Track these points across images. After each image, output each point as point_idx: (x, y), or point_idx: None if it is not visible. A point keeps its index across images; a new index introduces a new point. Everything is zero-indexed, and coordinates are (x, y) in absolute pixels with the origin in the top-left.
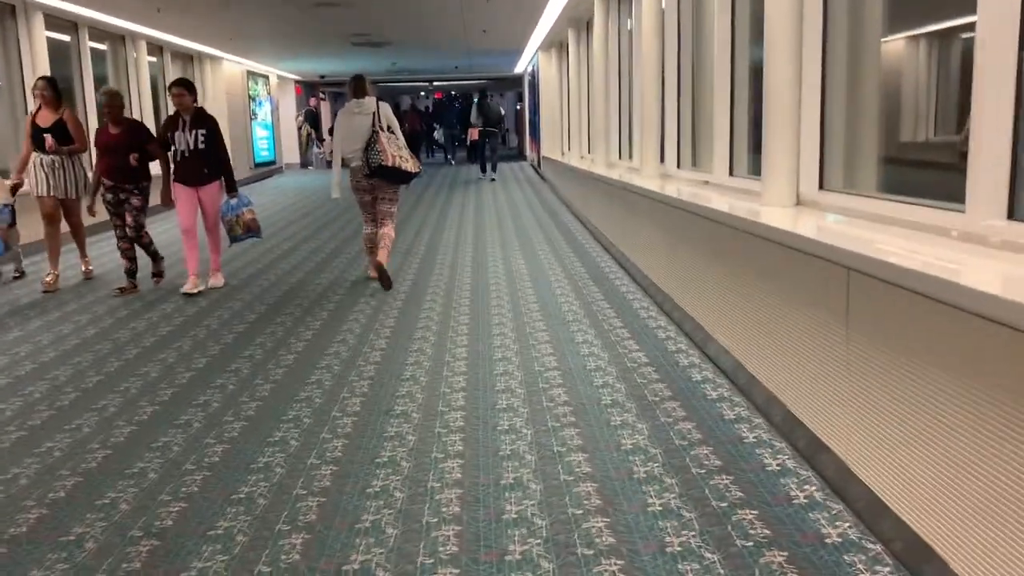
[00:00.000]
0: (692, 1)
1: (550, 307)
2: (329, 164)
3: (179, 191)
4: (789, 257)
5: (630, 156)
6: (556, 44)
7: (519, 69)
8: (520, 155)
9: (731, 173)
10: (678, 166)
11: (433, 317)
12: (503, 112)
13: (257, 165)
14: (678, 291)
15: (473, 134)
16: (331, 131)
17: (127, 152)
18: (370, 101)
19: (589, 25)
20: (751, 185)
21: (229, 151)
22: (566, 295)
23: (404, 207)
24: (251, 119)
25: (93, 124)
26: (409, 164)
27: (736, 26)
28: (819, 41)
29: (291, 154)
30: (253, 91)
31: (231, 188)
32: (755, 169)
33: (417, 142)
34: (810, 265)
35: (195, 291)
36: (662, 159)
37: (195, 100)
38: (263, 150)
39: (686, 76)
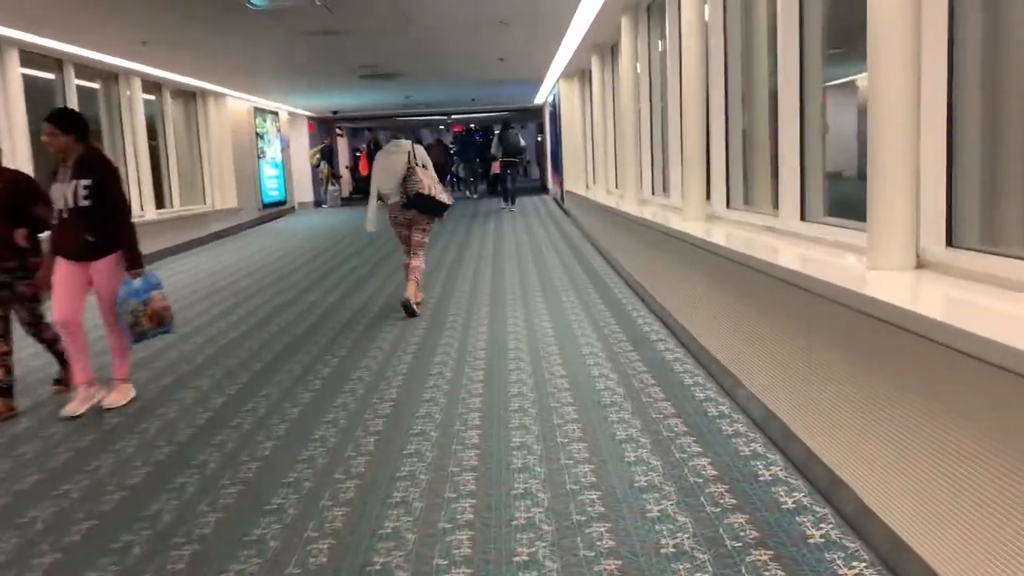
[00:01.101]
0: (740, 12)
1: (582, 383)
2: (343, 202)
3: (58, 268)
4: (943, 357)
5: (664, 191)
6: (578, 72)
7: (539, 100)
8: (542, 188)
9: (803, 217)
10: (727, 205)
11: (436, 406)
12: (523, 143)
13: (265, 206)
14: (746, 370)
15: (495, 167)
16: (348, 167)
17: (5, 218)
18: (406, 142)
19: (614, 50)
20: (840, 235)
21: (235, 192)
22: (600, 365)
23: None
24: (259, 158)
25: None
26: (443, 196)
27: (807, 35)
28: (944, 47)
29: (304, 192)
30: (261, 128)
31: (133, 263)
32: (834, 211)
33: (441, 174)
34: (973, 371)
35: (79, 413)
36: (708, 196)
37: (79, 138)
38: (272, 190)
39: (735, 98)
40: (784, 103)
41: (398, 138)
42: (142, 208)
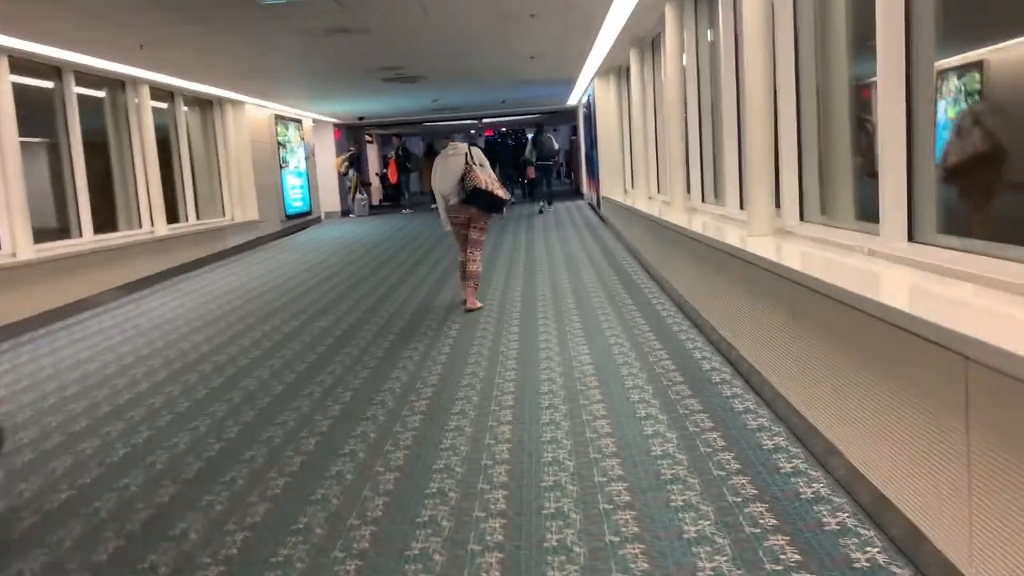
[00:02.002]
0: None
1: (633, 447)
2: (371, 211)
3: None
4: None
5: (715, 196)
6: (614, 70)
7: (572, 101)
8: (576, 192)
9: (911, 237)
10: (801, 217)
11: (452, 476)
12: (557, 146)
13: (289, 217)
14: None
15: (531, 172)
16: (379, 175)
17: None
18: (462, 144)
19: (656, 43)
20: (971, 264)
21: (255, 203)
22: (653, 419)
23: (438, 266)
24: (281, 167)
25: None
26: (500, 192)
27: (915, 12)
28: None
29: (331, 202)
30: (283, 137)
31: None
32: (952, 228)
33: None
34: None
35: None
36: (777, 203)
37: None
38: (296, 200)
39: (808, 89)
40: (885, 92)
41: (455, 141)
42: (152, 224)
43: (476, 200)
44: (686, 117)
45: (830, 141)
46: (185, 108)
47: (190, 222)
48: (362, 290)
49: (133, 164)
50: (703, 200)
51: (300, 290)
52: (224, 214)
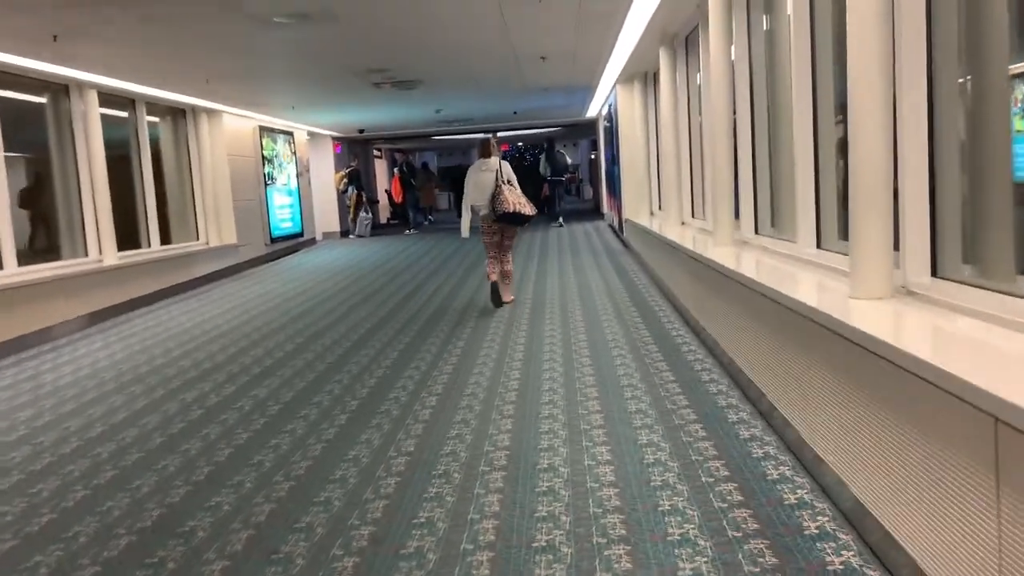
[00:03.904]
0: None
1: None
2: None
3: None
4: None
5: (773, 226)
6: (640, 75)
7: (591, 112)
8: (596, 210)
9: None
10: (934, 270)
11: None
12: (570, 161)
13: (275, 240)
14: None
15: (545, 189)
16: (387, 191)
17: None
18: (494, 160)
19: (691, 39)
20: None
21: (233, 224)
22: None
23: (421, 322)
24: (267, 184)
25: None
26: (527, 209)
27: None
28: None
29: (329, 222)
30: (269, 151)
31: None
32: None
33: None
34: None
35: None
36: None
37: None
38: (283, 221)
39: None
40: None
41: (485, 155)
42: (100, 252)
43: (505, 220)
44: (735, 126)
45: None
46: (151, 118)
47: (152, 248)
48: (330, 337)
49: (79, 180)
50: (756, 231)
51: (259, 334)
52: (198, 238)
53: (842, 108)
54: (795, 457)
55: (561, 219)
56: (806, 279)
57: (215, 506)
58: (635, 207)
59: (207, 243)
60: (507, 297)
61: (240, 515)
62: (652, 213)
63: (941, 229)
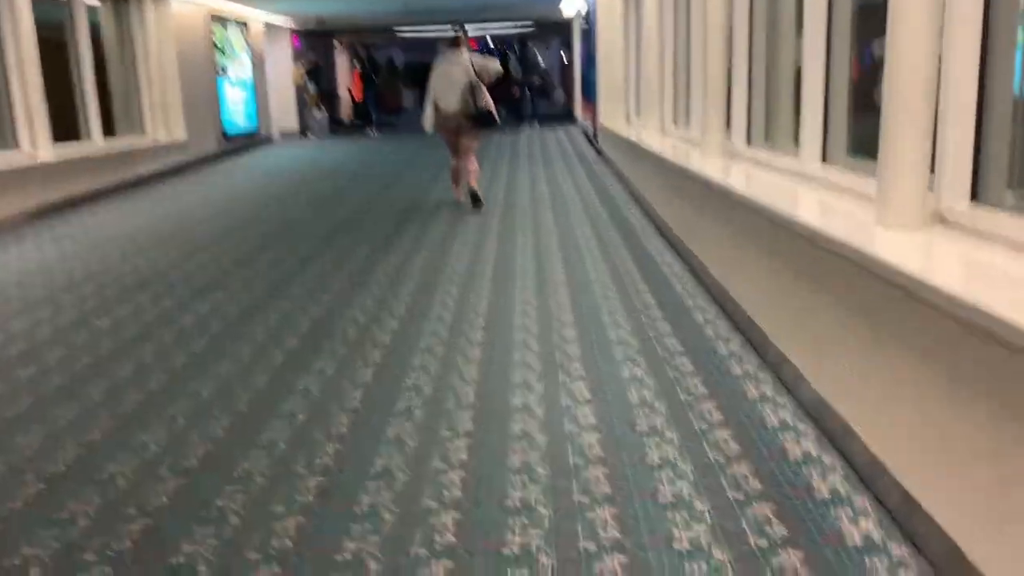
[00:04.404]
0: None
1: None
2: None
3: None
4: None
5: (767, 139)
6: None
7: (567, 12)
8: (568, 116)
9: None
10: (973, 198)
11: None
12: (543, 63)
13: (229, 138)
14: None
15: (515, 92)
16: (348, 90)
17: None
18: (464, 54)
19: None
20: None
21: (182, 120)
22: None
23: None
24: (219, 76)
25: None
26: (493, 110)
27: None
28: None
29: (287, 120)
30: (221, 40)
31: None
32: None
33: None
34: None
35: None
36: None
37: None
38: (237, 117)
39: None
40: None
41: (454, 46)
42: (33, 145)
43: (482, 120)
44: (731, 21)
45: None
46: (90, 1)
47: (93, 142)
48: (283, 247)
49: (3, 64)
50: (748, 142)
51: (205, 241)
52: (144, 133)
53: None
54: (795, 399)
55: (535, 118)
56: (816, 201)
57: (141, 446)
58: (611, 113)
59: (155, 139)
60: (476, 185)
61: (168, 458)
62: (628, 120)
63: (986, 147)
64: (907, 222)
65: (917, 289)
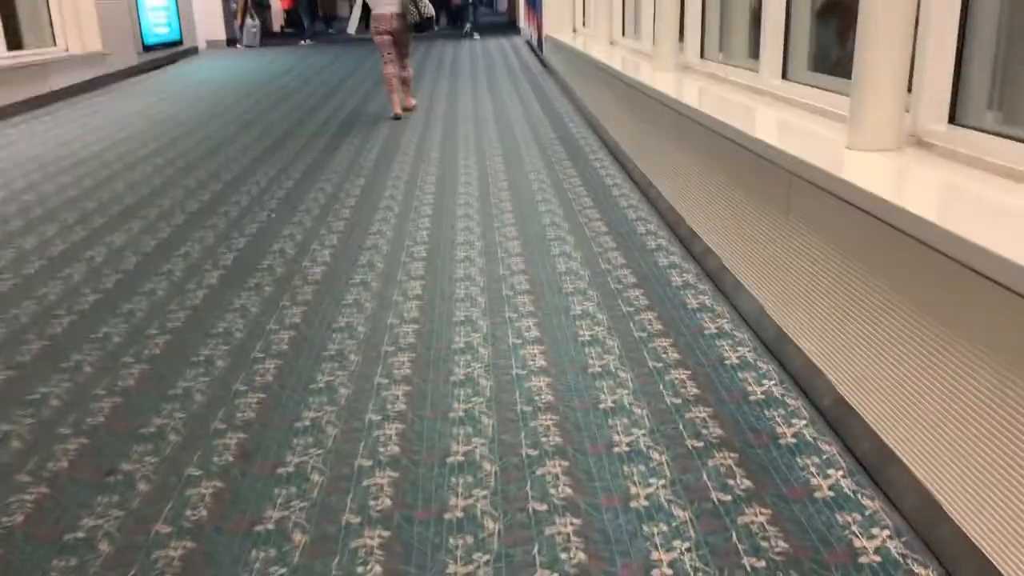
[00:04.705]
0: None
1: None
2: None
3: None
4: None
5: (721, 50)
6: None
7: None
8: (512, 25)
9: None
10: (952, 119)
11: None
12: None
13: (147, 48)
14: None
15: None
16: None
17: None
18: None
19: None
20: None
21: (98, 28)
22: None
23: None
24: None
25: None
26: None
27: None
28: None
29: (214, 29)
30: None
31: None
32: None
33: None
34: None
35: None
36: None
37: None
38: (158, 25)
39: None
40: None
41: None
42: None
43: (418, 26)
44: None
45: None
46: None
47: None
48: (205, 170)
49: None
50: (702, 55)
51: (122, 164)
52: (55, 43)
53: None
54: (756, 335)
55: (475, 31)
56: (778, 120)
57: (40, 400)
58: (557, 22)
59: (66, 49)
60: (409, 103)
61: (70, 417)
62: (575, 30)
63: (968, 64)
64: (881, 144)
65: (889, 214)
